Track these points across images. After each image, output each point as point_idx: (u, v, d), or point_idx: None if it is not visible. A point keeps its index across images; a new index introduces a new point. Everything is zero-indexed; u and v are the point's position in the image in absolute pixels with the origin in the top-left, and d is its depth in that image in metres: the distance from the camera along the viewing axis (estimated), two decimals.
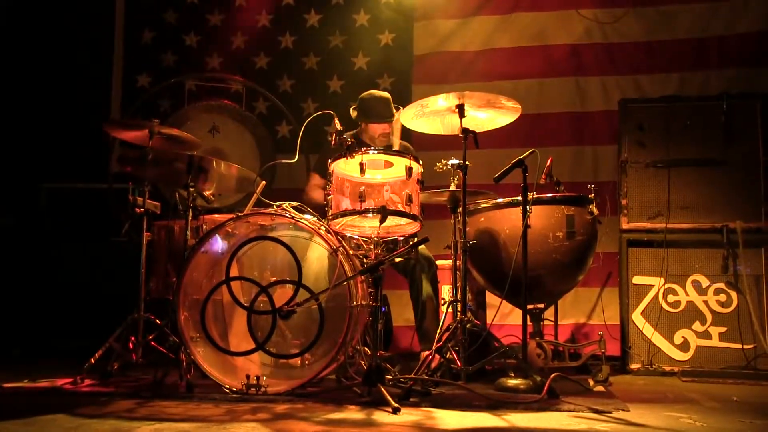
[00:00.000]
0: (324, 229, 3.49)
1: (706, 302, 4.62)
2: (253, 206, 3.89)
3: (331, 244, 3.41)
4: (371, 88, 4.80)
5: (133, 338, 3.84)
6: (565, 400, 3.18)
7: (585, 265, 4.36)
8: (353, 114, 4.61)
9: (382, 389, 3.03)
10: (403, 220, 3.50)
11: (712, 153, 4.72)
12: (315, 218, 3.58)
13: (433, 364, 3.57)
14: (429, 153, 4.20)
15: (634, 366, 4.62)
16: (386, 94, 4.65)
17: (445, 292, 4.47)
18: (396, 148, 4.38)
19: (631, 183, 4.81)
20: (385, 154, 3.51)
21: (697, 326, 4.61)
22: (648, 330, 4.63)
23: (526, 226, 3.57)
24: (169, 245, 4.22)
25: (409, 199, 3.40)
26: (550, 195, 4.28)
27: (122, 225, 4.62)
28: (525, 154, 3.63)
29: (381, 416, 2.81)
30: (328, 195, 3.49)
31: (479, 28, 6.05)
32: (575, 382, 3.65)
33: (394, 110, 4.55)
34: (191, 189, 3.82)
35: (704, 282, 4.64)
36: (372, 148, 3.53)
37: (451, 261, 3.97)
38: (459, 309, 3.68)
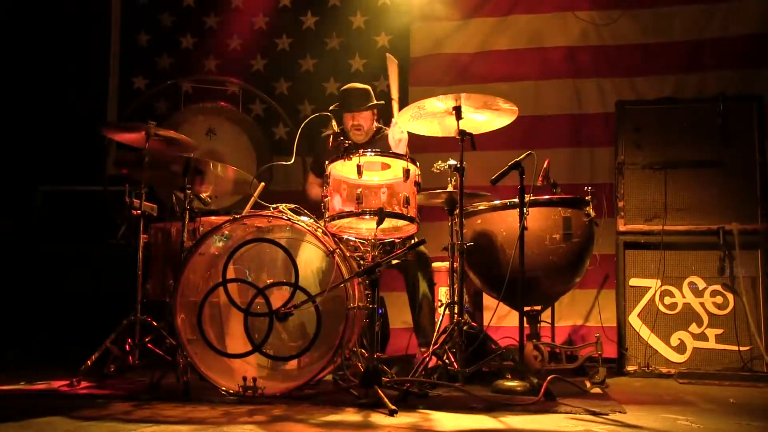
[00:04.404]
0: (321, 230, 3.48)
1: (702, 304, 4.62)
2: (251, 208, 3.89)
3: (327, 245, 3.41)
4: None
5: (129, 340, 3.83)
6: (561, 402, 3.18)
7: (582, 267, 4.36)
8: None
9: (379, 391, 3.03)
10: (400, 222, 3.50)
11: (708, 155, 4.72)
12: (312, 220, 3.57)
13: (430, 366, 3.57)
14: (426, 155, 4.20)
15: (630, 368, 4.61)
16: (364, 86, 4.61)
17: (442, 294, 4.46)
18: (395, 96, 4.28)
19: (628, 185, 4.81)
20: (382, 156, 3.51)
21: (693, 328, 4.61)
22: (645, 332, 4.63)
23: (522, 228, 3.57)
24: (166, 247, 4.23)
25: (407, 201, 3.40)
26: (547, 197, 4.28)
27: (119, 227, 4.63)
28: (522, 156, 3.64)
29: (378, 418, 2.81)
30: (325, 197, 3.48)
31: (476, 31, 6.06)
32: (572, 384, 3.64)
33: (374, 101, 4.55)
34: (188, 191, 3.82)
35: (701, 284, 4.64)
36: (369, 150, 3.52)
37: (448, 263, 3.96)
38: (456, 311, 3.68)
